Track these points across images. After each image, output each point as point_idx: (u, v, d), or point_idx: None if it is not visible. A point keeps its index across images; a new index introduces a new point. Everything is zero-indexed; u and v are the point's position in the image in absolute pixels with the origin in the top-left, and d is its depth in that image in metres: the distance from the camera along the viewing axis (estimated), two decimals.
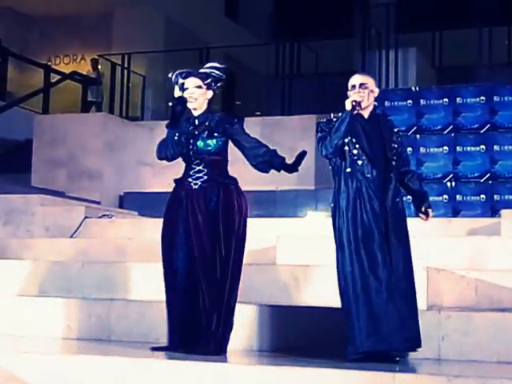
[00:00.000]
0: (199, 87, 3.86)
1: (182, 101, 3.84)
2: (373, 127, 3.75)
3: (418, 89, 8.14)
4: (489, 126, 7.78)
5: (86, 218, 6.55)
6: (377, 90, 3.86)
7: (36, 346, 4.21)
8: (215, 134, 3.83)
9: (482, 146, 7.75)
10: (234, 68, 14.71)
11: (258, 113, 10.56)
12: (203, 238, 3.73)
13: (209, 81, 3.88)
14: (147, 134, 9.47)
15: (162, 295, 4.69)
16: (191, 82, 3.86)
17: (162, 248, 3.88)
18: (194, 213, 3.77)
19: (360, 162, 3.66)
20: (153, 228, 6.34)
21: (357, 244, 3.58)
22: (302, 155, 3.87)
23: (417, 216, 3.84)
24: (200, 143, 3.83)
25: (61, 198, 7.39)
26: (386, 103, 8.11)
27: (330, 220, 3.72)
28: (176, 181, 3.95)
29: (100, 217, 6.75)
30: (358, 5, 9.92)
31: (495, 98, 7.81)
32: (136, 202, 8.31)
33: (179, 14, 13.45)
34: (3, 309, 4.76)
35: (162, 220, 6.63)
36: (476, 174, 7.70)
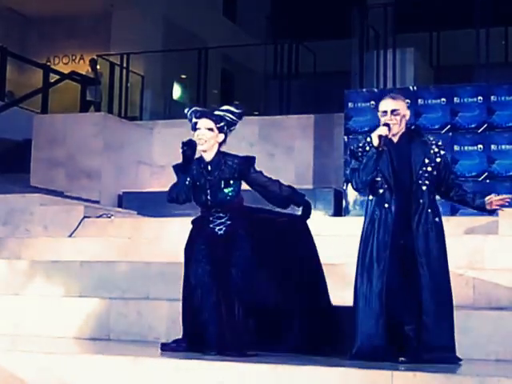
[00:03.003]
0: (211, 130, 3.78)
1: (192, 145, 3.78)
2: (401, 152, 3.66)
3: (415, 88, 8.16)
4: (486, 125, 7.79)
5: (84, 217, 6.56)
6: (408, 113, 3.73)
7: (35, 345, 4.22)
8: (231, 182, 3.78)
9: (480, 146, 7.77)
10: (232, 68, 14.74)
11: (257, 112, 10.57)
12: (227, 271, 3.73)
13: (221, 124, 3.80)
14: (146, 133, 9.47)
15: (160, 294, 4.71)
16: (203, 123, 3.79)
17: (185, 288, 3.84)
18: (219, 258, 3.74)
19: (381, 191, 3.64)
20: (151, 227, 6.36)
21: (362, 270, 3.64)
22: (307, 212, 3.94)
23: (488, 212, 3.73)
24: (219, 194, 3.78)
25: (60, 198, 7.40)
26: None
27: None
28: (194, 222, 3.90)
29: (99, 216, 6.76)
30: (356, 5, 9.92)
31: (492, 98, 7.82)
32: (135, 202, 8.31)
33: (177, 14, 13.46)
34: (2, 308, 4.77)
35: (160, 219, 6.62)
36: (473, 173, 7.71)
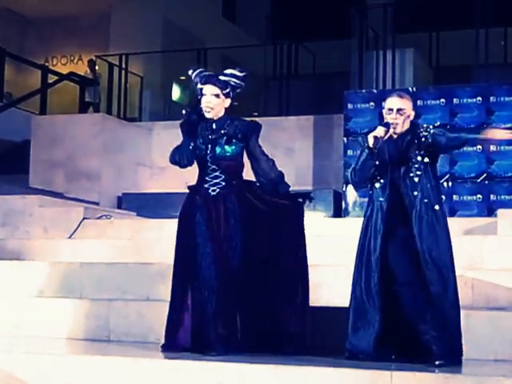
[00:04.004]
0: (217, 96, 3.80)
1: (198, 110, 3.79)
2: (398, 147, 3.66)
3: (415, 89, 8.17)
4: (485, 126, 7.80)
5: (84, 218, 6.56)
6: (413, 114, 3.72)
7: (35, 346, 4.23)
8: (233, 141, 3.81)
9: (479, 146, 7.78)
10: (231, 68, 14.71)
11: (256, 113, 10.57)
12: (223, 245, 3.72)
13: (227, 90, 3.82)
14: (145, 134, 9.48)
15: (160, 295, 4.71)
16: (209, 90, 3.80)
17: (178, 254, 3.83)
18: (213, 219, 3.74)
19: (377, 185, 3.66)
20: (151, 228, 6.36)
21: (360, 268, 3.65)
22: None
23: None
24: (218, 149, 3.79)
25: (59, 199, 7.40)
26: (383, 103, 8.12)
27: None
28: (191, 187, 3.90)
29: (98, 217, 6.76)
30: (355, 5, 9.94)
31: (491, 99, 7.84)
32: (134, 203, 8.31)
33: (177, 14, 13.46)
34: (2, 309, 4.77)
35: (160, 220, 6.63)
36: (472, 174, 7.73)
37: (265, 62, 11.27)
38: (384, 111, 3.73)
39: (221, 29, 14.24)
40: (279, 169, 3.93)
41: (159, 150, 9.08)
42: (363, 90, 8.59)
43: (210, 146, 3.80)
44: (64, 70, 12.16)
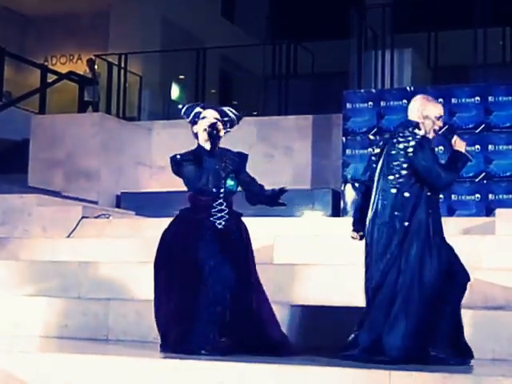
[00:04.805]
0: (218, 120, 3.86)
1: (216, 127, 3.82)
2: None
3: (413, 89, 8.17)
4: (483, 125, 7.82)
5: (83, 217, 6.57)
6: None
7: (34, 345, 4.23)
8: (234, 174, 3.89)
9: (477, 146, 7.79)
10: (230, 68, 14.75)
11: (255, 113, 10.58)
12: (234, 270, 3.80)
13: (225, 119, 3.89)
14: (144, 134, 9.48)
15: None
16: (211, 114, 3.87)
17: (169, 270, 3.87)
18: (225, 250, 3.80)
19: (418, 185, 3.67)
20: (149, 227, 6.36)
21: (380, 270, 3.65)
22: (282, 192, 3.97)
23: None
24: (226, 184, 3.86)
25: (58, 198, 7.40)
26: (382, 103, 8.15)
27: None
28: (187, 213, 3.92)
29: (97, 217, 6.77)
30: (354, 5, 9.95)
31: (490, 99, 7.84)
32: (133, 202, 8.31)
33: (176, 14, 13.47)
34: (2, 309, 4.78)
35: (159, 219, 6.63)
36: (471, 174, 7.73)
37: (264, 62, 11.28)
38: (430, 116, 3.70)
39: (220, 28, 14.24)
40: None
41: (158, 149, 9.08)
42: (362, 90, 8.60)
43: (223, 181, 3.86)
44: (63, 70, 12.16)
